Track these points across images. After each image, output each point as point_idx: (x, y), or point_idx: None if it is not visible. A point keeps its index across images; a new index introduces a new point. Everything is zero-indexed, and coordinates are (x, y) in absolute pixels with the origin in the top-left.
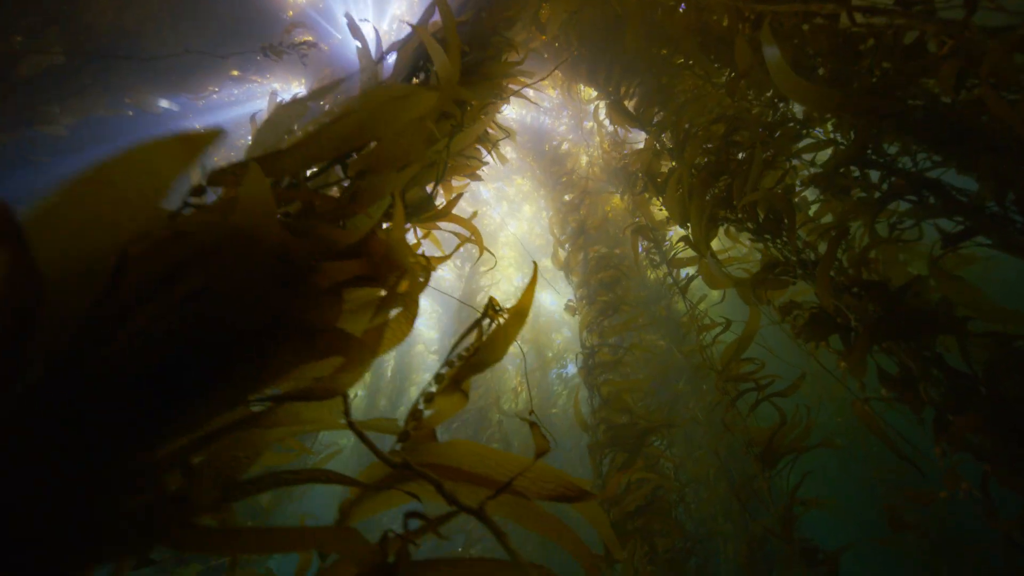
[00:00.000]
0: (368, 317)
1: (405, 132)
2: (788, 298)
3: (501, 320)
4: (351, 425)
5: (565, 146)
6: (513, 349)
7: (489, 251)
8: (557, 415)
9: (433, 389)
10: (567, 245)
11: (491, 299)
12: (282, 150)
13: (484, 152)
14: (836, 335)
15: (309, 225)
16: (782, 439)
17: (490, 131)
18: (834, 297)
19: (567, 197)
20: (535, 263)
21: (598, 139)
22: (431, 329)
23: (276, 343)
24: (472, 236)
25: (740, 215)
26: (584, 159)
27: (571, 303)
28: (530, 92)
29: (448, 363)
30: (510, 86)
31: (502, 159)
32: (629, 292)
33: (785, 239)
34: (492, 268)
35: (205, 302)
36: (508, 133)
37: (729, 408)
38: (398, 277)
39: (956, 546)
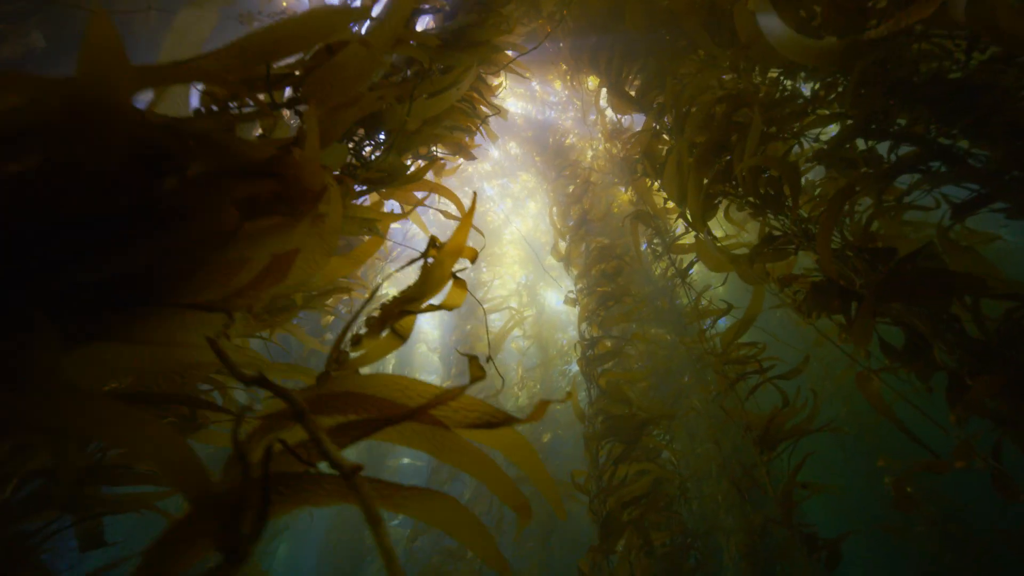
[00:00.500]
0: (276, 243)
1: (346, 59)
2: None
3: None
4: (211, 342)
5: (571, 139)
6: (516, 345)
7: (477, 229)
8: (559, 411)
9: (363, 331)
10: (568, 236)
11: (432, 237)
12: (191, 57)
13: (479, 139)
14: (841, 314)
15: (205, 130)
16: (782, 422)
17: (484, 108)
18: (838, 260)
19: (570, 188)
20: (474, 193)
21: (600, 129)
22: (433, 328)
23: (135, 230)
24: (458, 212)
25: (740, 188)
26: (589, 153)
27: (571, 295)
28: (536, 87)
29: (381, 306)
30: (500, 60)
31: (492, 136)
32: (631, 283)
33: (787, 214)
34: (479, 254)
35: (47, 175)
36: (498, 110)
37: (728, 392)
38: (311, 201)
39: (961, 543)
